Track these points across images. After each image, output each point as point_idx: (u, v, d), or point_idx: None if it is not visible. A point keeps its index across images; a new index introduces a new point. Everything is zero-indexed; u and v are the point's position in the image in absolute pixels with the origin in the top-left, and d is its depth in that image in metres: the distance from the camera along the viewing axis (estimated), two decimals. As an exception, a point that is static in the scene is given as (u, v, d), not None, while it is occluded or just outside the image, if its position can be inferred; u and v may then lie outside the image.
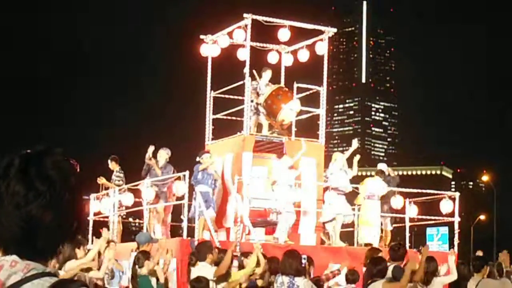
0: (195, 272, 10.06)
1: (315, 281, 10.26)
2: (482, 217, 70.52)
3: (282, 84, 18.53)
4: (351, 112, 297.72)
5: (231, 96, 18.30)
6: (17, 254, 1.98)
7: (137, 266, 10.81)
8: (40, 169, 1.98)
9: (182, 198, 15.97)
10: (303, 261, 9.16)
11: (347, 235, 18.61)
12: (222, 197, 17.10)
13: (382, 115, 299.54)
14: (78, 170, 2.06)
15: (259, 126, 17.62)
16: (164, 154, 17.48)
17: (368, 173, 17.92)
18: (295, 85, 17.62)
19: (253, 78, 17.43)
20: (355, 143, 17.74)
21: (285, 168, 16.33)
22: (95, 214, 18.89)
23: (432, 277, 10.35)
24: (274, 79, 18.27)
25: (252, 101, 17.31)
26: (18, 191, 1.96)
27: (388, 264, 9.40)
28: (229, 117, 18.49)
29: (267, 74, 17.65)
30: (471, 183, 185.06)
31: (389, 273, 9.10)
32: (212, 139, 18.42)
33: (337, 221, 16.82)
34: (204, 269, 9.91)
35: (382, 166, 18.01)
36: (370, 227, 16.90)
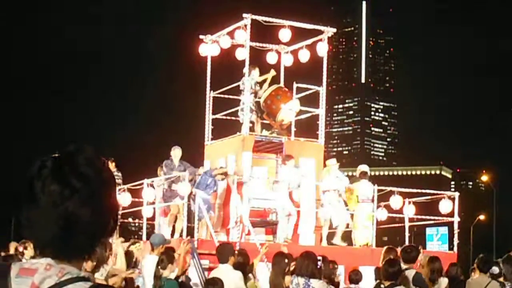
0: (215, 274, 9.95)
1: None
2: (482, 217, 70.52)
3: (282, 84, 18.54)
4: (351, 112, 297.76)
5: (231, 96, 18.31)
6: (54, 256, 1.98)
7: (159, 267, 10.69)
8: (73, 166, 2.00)
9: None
10: (319, 262, 9.19)
11: (346, 236, 18.63)
12: (225, 198, 17.11)
13: (381, 115, 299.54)
14: (108, 166, 2.09)
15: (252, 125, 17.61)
16: (178, 153, 17.20)
17: (368, 173, 17.79)
18: (295, 85, 17.63)
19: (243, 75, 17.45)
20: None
21: (291, 170, 16.42)
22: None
23: (439, 277, 10.36)
24: (274, 79, 18.26)
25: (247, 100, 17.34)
26: (54, 189, 1.97)
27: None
28: (228, 117, 18.49)
29: (255, 72, 17.54)
30: (470, 183, 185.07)
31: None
32: (212, 139, 18.43)
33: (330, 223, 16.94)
34: (226, 272, 9.77)
35: (363, 167, 17.80)
36: (367, 229, 16.99)
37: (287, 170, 16.38)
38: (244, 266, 10.67)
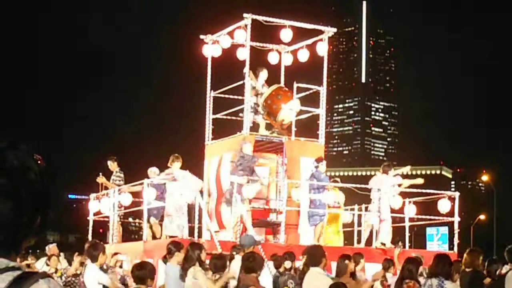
0: (312, 278, 9.72)
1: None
2: (482, 217, 70.53)
3: (282, 84, 18.54)
4: (351, 112, 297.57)
5: (231, 96, 18.31)
6: None
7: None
8: (0, 162, 2.00)
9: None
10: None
11: (348, 235, 18.66)
12: (218, 198, 17.10)
13: (382, 115, 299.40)
14: (42, 164, 2.07)
15: (256, 126, 17.62)
16: (249, 147, 16.49)
17: (368, 173, 17.82)
18: (295, 85, 17.63)
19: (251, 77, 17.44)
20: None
21: (392, 178, 16.94)
22: (94, 214, 18.89)
23: None
24: (274, 79, 18.28)
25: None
26: None
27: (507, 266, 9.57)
28: (229, 117, 18.50)
29: (263, 74, 17.64)
30: (470, 183, 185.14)
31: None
32: (212, 139, 18.44)
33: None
34: (319, 276, 9.52)
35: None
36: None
37: (389, 178, 16.85)
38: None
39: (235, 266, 11.10)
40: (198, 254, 10.14)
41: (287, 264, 12.22)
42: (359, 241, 18.14)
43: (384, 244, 16.58)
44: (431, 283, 8.84)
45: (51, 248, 17.41)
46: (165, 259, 11.47)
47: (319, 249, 10.04)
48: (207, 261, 10.60)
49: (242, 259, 10.00)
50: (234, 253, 11.96)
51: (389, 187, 16.83)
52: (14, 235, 2.01)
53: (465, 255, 10.72)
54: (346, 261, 10.36)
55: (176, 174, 16.06)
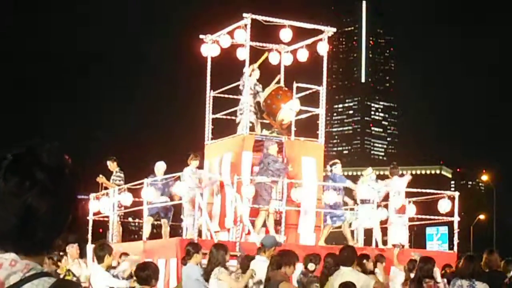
0: (345, 277, 9.35)
1: None
2: (482, 217, 70.54)
3: (282, 83, 18.53)
4: (351, 112, 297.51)
5: (231, 96, 18.31)
6: (15, 250, 1.96)
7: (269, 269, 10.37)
8: (36, 158, 1.98)
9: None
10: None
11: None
12: (221, 198, 17.09)
13: (381, 114, 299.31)
14: (70, 163, 2.05)
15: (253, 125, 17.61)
16: (275, 148, 16.59)
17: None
18: (295, 84, 17.62)
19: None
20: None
21: (399, 179, 17.05)
22: (94, 214, 18.88)
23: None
24: (274, 79, 18.27)
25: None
26: (14, 180, 1.95)
27: None
28: (228, 117, 18.49)
29: (255, 73, 17.60)
30: (470, 183, 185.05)
31: None
32: (212, 138, 18.43)
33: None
34: (352, 274, 9.40)
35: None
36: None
37: (398, 180, 16.97)
38: None
39: (254, 266, 11.12)
40: (223, 255, 10.14)
41: (311, 266, 11.95)
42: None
43: (403, 246, 16.57)
44: (461, 283, 8.84)
45: (71, 250, 15.65)
46: (183, 260, 11.51)
47: (352, 250, 10.04)
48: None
49: (272, 259, 9.97)
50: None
51: (400, 189, 16.86)
52: (50, 233, 1.99)
53: (484, 255, 10.73)
54: (364, 261, 10.35)
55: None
